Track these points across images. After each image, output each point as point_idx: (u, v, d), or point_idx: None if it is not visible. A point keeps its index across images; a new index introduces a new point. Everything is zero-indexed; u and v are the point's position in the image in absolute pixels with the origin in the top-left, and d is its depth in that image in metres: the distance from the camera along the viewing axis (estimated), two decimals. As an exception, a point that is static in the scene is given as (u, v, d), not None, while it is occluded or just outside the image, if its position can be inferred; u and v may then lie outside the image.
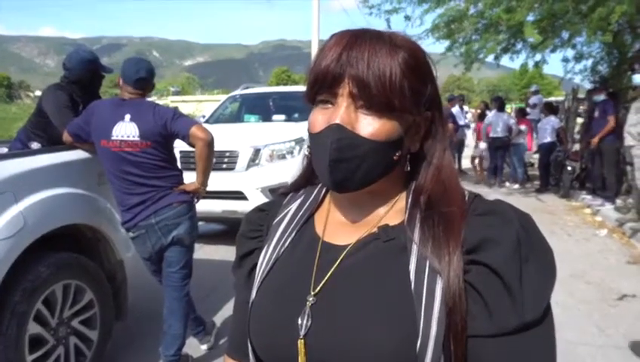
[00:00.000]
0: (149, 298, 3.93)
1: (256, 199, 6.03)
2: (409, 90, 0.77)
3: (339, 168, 0.78)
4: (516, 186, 11.33)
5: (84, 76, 3.70)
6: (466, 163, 13.81)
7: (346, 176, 0.79)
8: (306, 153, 0.90)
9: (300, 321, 0.78)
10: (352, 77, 0.76)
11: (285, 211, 0.94)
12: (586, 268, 5.62)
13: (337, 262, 0.82)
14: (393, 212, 0.84)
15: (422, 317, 0.71)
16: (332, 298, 0.79)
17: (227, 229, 7.35)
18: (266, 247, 0.90)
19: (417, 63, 0.79)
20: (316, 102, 0.82)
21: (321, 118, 0.80)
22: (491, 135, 11.37)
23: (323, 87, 0.79)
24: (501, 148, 11.40)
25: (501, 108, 11.54)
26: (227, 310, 4.40)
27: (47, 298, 2.86)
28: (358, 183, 0.80)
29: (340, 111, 0.77)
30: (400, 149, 0.81)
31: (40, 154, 3.09)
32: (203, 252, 6.05)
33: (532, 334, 0.71)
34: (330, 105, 0.79)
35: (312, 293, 0.80)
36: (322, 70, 0.78)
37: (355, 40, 0.78)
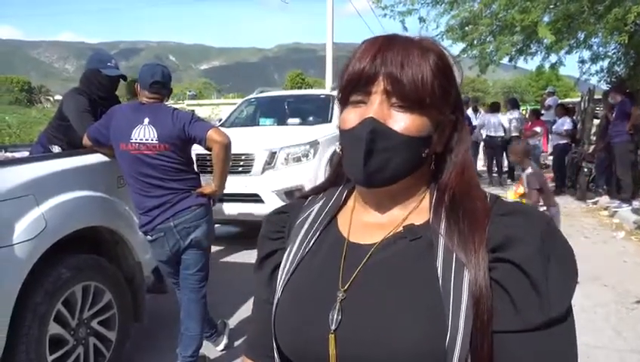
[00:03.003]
0: (166, 299, 3.98)
1: (272, 202, 6.06)
2: (439, 88, 0.81)
3: (372, 160, 0.81)
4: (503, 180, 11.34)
5: (88, 87, 3.77)
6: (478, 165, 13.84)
7: (378, 168, 0.81)
8: (337, 150, 0.92)
9: (330, 316, 0.80)
10: (386, 75, 0.80)
11: (307, 213, 0.96)
12: (603, 270, 5.54)
13: (365, 260, 0.83)
14: (418, 211, 0.87)
15: (450, 312, 0.73)
16: (361, 293, 0.81)
17: (243, 232, 7.40)
18: (289, 248, 0.92)
19: (446, 66, 0.83)
20: (349, 103, 0.85)
21: (353, 115, 0.83)
22: (488, 134, 11.88)
23: (358, 86, 0.82)
24: (497, 148, 11.83)
25: (495, 110, 12.14)
26: (243, 312, 4.43)
27: (67, 299, 2.91)
28: (388, 177, 0.83)
29: (374, 107, 0.81)
30: (429, 146, 0.84)
31: (60, 158, 3.15)
32: (219, 254, 6.10)
33: (556, 330, 0.73)
34: (362, 105, 0.83)
35: (342, 289, 0.82)
36: (357, 71, 0.82)
37: (387, 43, 0.82)
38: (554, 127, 11.32)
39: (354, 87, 0.83)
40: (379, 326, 0.76)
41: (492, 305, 0.74)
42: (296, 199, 1.04)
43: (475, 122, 12.99)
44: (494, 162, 12.33)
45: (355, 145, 0.81)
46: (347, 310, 0.80)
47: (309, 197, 1.00)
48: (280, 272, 0.91)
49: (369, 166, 0.81)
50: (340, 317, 0.79)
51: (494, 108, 12.37)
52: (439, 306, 0.74)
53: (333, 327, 0.79)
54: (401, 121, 0.81)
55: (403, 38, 0.84)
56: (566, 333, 0.74)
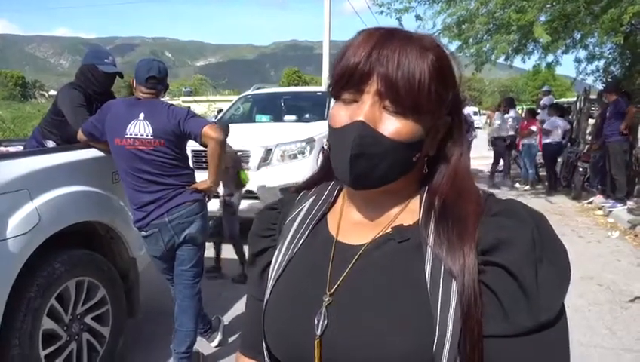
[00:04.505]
0: (161, 295, 3.97)
1: (267, 198, 6.06)
2: (435, 93, 0.76)
3: (358, 164, 0.78)
4: (527, 187, 11.28)
5: (83, 82, 3.76)
6: (473, 163, 13.84)
7: (365, 172, 0.78)
8: (325, 147, 0.89)
9: (316, 321, 0.79)
10: (380, 75, 0.75)
11: (298, 210, 0.94)
12: (598, 269, 5.59)
13: (352, 262, 0.82)
14: (407, 212, 0.84)
15: (438, 318, 0.71)
16: (347, 298, 0.79)
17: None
18: (279, 246, 0.90)
19: (444, 67, 0.79)
20: (340, 98, 0.81)
21: (344, 113, 0.79)
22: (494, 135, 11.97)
23: (350, 83, 0.78)
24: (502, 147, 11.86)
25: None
26: (238, 308, 4.43)
27: (60, 294, 2.89)
28: (375, 181, 0.80)
29: (365, 108, 0.77)
30: (419, 151, 0.81)
31: (55, 153, 3.13)
32: (214, 250, 6.07)
33: (547, 335, 0.71)
34: (354, 103, 0.79)
35: (328, 293, 0.80)
36: (351, 66, 0.77)
37: (385, 39, 0.77)
38: (544, 125, 11.23)
39: (346, 82, 0.79)
40: (365, 332, 0.75)
41: (482, 312, 0.72)
42: (289, 194, 1.01)
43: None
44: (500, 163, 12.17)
45: (342, 148, 0.78)
46: (333, 315, 0.79)
47: (301, 193, 0.98)
48: (270, 272, 0.89)
49: (355, 169, 0.78)
50: (325, 322, 0.78)
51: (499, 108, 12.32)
52: (427, 310, 0.72)
53: (318, 333, 0.78)
54: (392, 126, 0.77)
55: (402, 35, 0.79)
56: (557, 337, 0.73)
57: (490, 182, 11.79)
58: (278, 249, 0.90)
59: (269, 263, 0.91)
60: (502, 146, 11.92)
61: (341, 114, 0.80)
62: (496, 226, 0.76)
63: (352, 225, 0.87)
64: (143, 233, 3.17)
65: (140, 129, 3.03)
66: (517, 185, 11.66)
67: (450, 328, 0.71)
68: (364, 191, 0.83)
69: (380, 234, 0.83)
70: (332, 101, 0.84)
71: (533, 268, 0.72)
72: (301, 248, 0.88)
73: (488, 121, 14.75)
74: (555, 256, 0.74)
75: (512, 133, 11.91)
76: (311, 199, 0.95)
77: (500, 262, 0.73)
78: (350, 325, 0.77)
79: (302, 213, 0.93)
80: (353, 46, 0.79)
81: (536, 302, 0.71)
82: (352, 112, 0.78)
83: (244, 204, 6.17)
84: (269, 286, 0.88)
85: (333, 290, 0.81)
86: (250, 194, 6.21)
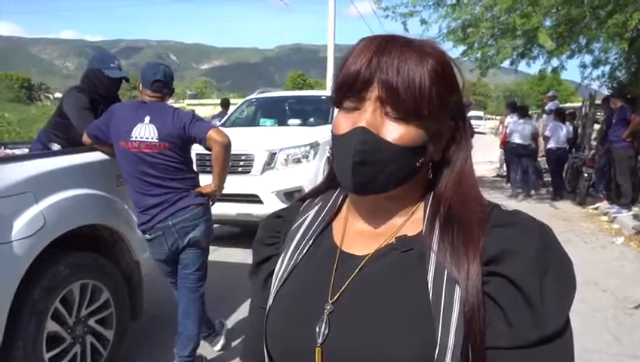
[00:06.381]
0: (164, 298, 3.97)
1: (271, 202, 6.06)
2: (436, 98, 0.77)
3: (361, 171, 0.77)
4: (531, 193, 11.18)
5: (88, 86, 3.77)
6: (478, 168, 13.75)
7: (368, 179, 0.78)
8: (329, 155, 0.90)
9: (317, 329, 0.78)
10: (381, 81, 0.76)
11: (302, 218, 0.94)
12: (602, 275, 5.56)
13: (355, 272, 0.81)
14: (411, 222, 0.84)
15: (440, 327, 0.71)
16: (350, 306, 0.79)
17: (241, 232, 7.39)
18: (283, 255, 0.90)
19: (445, 72, 0.79)
20: (342, 106, 0.81)
21: (346, 121, 0.79)
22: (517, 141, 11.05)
23: (351, 91, 0.79)
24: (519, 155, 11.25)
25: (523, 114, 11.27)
26: (241, 312, 4.43)
27: (65, 297, 2.90)
28: (379, 187, 0.80)
29: (367, 115, 0.77)
30: (423, 156, 0.80)
31: (60, 156, 3.15)
32: (217, 254, 6.08)
33: (552, 347, 0.71)
34: (356, 111, 0.79)
35: (330, 301, 0.80)
36: (352, 74, 0.78)
37: (385, 45, 0.78)
38: (546, 132, 11.02)
39: (347, 91, 0.79)
40: (366, 340, 0.74)
41: (485, 322, 0.72)
42: (294, 202, 1.02)
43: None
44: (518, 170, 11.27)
45: (344, 155, 0.78)
46: (334, 323, 0.78)
47: (306, 201, 0.98)
48: (273, 279, 0.89)
49: (357, 176, 0.78)
50: (327, 330, 0.78)
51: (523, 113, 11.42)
52: (429, 319, 0.72)
53: (319, 341, 0.77)
54: (394, 131, 0.77)
55: (402, 41, 0.79)
56: (562, 349, 0.72)
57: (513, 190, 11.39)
58: (282, 257, 0.90)
59: (273, 271, 0.91)
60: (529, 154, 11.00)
61: (343, 121, 0.80)
62: (501, 237, 0.75)
63: (357, 235, 0.87)
64: (147, 236, 3.17)
65: (145, 132, 3.04)
66: (519, 190, 11.30)
67: (452, 338, 0.70)
68: (367, 197, 0.83)
69: (384, 244, 0.83)
70: (336, 108, 0.85)
71: (538, 279, 0.71)
72: (305, 257, 0.88)
73: (501, 127, 14.35)
74: (560, 267, 0.74)
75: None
76: (315, 208, 0.95)
77: (505, 273, 0.72)
78: (351, 333, 0.76)
79: (306, 222, 0.93)
80: (354, 54, 0.80)
81: (540, 314, 0.70)
82: (354, 119, 0.78)
83: (245, 208, 6.18)
84: (272, 294, 0.87)
85: (335, 299, 0.80)
86: (254, 198, 6.22)
